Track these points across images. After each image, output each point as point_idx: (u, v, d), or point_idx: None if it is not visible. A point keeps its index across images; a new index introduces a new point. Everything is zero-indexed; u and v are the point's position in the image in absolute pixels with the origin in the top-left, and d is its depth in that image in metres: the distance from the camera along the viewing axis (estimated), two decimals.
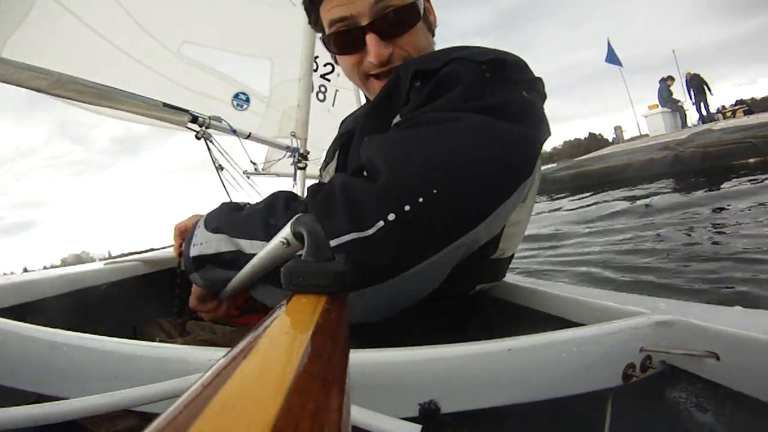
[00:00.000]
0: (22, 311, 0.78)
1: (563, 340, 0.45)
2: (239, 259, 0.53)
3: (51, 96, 1.06)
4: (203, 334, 0.71)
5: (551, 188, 6.67)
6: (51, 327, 0.49)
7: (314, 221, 0.35)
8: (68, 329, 0.48)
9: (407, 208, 0.43)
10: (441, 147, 0.46)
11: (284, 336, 0.21)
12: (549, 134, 0.54)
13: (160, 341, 0.73)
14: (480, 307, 0.75)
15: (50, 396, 0.46)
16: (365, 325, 0.57)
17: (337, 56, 0.70)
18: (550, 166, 10.70)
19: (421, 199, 0.43)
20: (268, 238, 0.47)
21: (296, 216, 0.37)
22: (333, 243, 0.46)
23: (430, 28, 0.70)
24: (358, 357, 0.43)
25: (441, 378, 0.42)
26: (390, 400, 0.41)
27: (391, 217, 0.43)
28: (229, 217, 0.58)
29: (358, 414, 0.34)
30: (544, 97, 0.58)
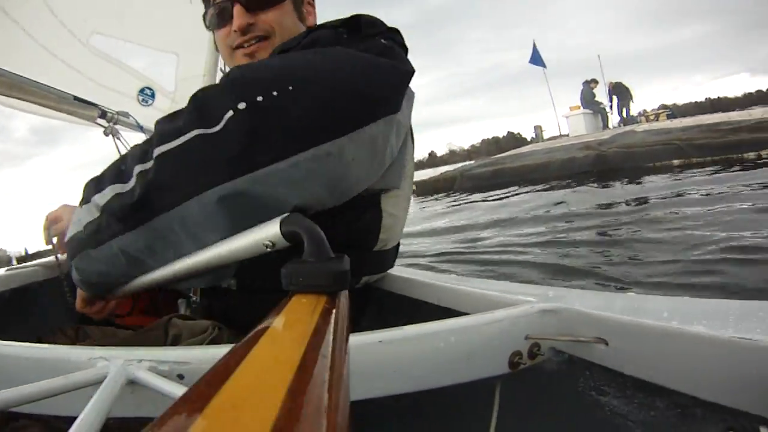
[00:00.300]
0: None
1: (439, 331, 0.45)
2: (103, 231, 0.49)
3: None
4: (103, 339, 0.65)
5: (469, 185, 6.63)
6: None
7: (308, 220, 0.35)
8: None
9: (260, 98, 0.41)
10: (300, 59, 0.47)
11: (284, 336, 0.21)
12: (411, 71, 0.53)
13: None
14: (374, 300, 0.75)
15: None
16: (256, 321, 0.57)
17: (214, 34, 0.71)
18: (467, 163, 10.62)
19: (275, 93, 0.41)
20: (116, 181, 0.47)
21: (283, 216, 0.36)
22: (173, 144, 0.43)
23: (301, 16, 0.71)
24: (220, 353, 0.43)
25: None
26: None
27: (242, 105, 0.41)
28: (94, 182, 0.53)
29: None
30: (404, 47, 0.59)
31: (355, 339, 0.43)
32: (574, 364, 0.46)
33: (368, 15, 0.59)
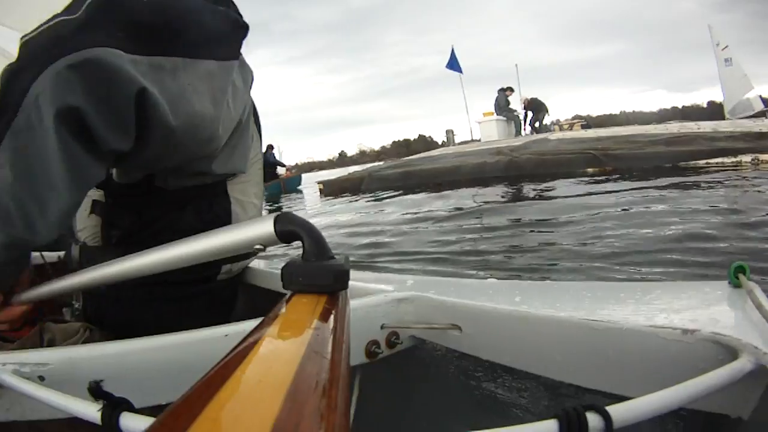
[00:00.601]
0: None
1: None
2: None
3: None
4: None
5: (376, 186, 6.54)
6: None
7: (305, 220, 0.34)
8: None
9: None
10: None
11: (284, 335, 0.21)
12: (244, 23, 0.55)
13: None
14: (244, 292, 0.76)
15: None
16: (136, 323, 0.62)
17: None
18: (376, 164, 10.49)
19: None
20: None
21: (276, 215, 0.35)
22: (36, 30, 0.43)
23: None
24: (96, 349, 0.43)
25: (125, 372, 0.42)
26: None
27: None
28: None
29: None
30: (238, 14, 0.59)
31: (201, 334, 0.44)
32: (433, 351, 0.47)
33: None
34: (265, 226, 0.35)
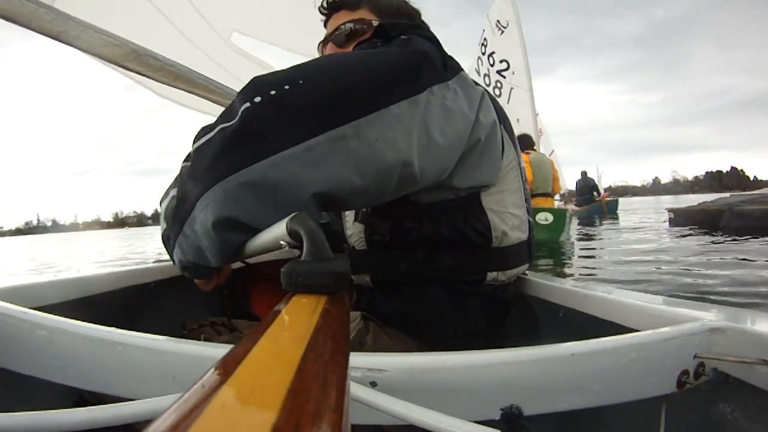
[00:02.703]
0: (72, 307, 0.77)
1: (622, 346, 0.44)
2: (165, 235, 0.58)
3: (116, 67, 0.96)
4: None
5: (736, 223, 5.42)
6: (99, 324, 0.48)
7: (311, 220, 0.35)
8: (114, 327, 0.48)
9: (273, 92, 0.46)
10: (312, 61, 0.53)
11: (284, 336, 0.21)
12: (418, 50, 0.56)
13: (206, 339, 0.72)
14: (525, 306, 0.75)
15: (97, 393, 0.46)
16: (406, 315, 0.67)
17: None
18: (722, 195, 8.83)
19: (287, 87, 0.47)
20: (172, 185, 0.57)
21: (291, 215, 0.36)
22: (202, 141, 0.49)
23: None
24: (437, 359, 0.42)
25: (519, 382, 0.41)
26: (471, 403, 0.41)
27: (257, 99, 0.46)
28: None
29: (438, 420, 0.33)
30: (427, 36, 0.63)
31: (546, 350, 0.43)
32: (735, 385, 0.45)
33: (393, 22, 0.68)
34: (282, 226, 0.37)
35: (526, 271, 0.80)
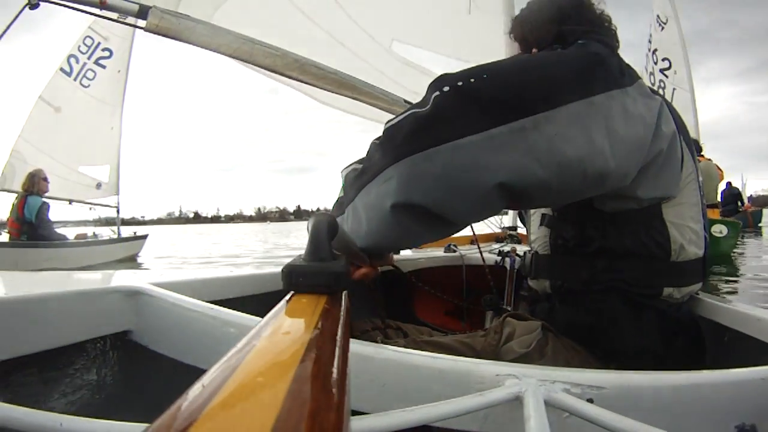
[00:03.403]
0: (237, 303, 0.77)
1: None
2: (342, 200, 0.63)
3: (276, 75, 1.00)
4: (417, 335, 0.78)
5: None
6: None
7: (323, 221, 0.35)
8: None
9: (460, 83, 0.51)
10: (495, 61, 0.56)
11: (284, 336, 0.21)
12: (593, 52, 0.59)
13: (382, 341, 0.73)
14: (694, 327, 0.73)
15: None
16: (583, 325, 0.68)
17: None
18: None
19: (472, 80, 0.51)
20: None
21: (317, 213, 0.38)
22: (394, 122, 0.54)
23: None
24: (655, 378, 0.42)
25: (751, 400, 0.40)
26: (702, 422, 0.40)
27: (446, 89, 0.51)
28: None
29: None
30: (605, 42, 0.67)
31: (753, 371, 0.41)
32: None
33: (572, 27, 0.72)
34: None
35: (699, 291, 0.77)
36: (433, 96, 0.51)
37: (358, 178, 0.58)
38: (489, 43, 1.91)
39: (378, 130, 0.58)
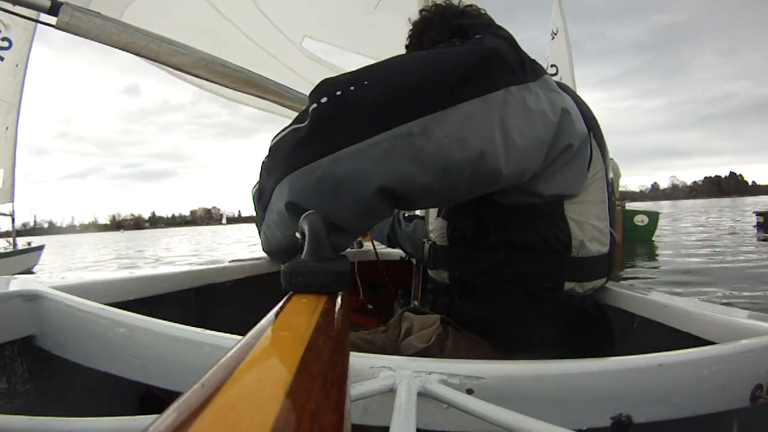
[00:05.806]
0: (147, 304, 0.79)
1: (705, 357, 0.44)
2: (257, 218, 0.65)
3: (184, 74, 1.00)
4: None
5: None
6: (172, 321, 0.48)
7: (318, 220, 0.35)
8: (184, 324, 0.48)
9: (338, 93, 0.49)
10: (379, 62, 0.54)
11: (284, 336, 0.21)
12: (488, 47, 0.55)
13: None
14: (601, 316, 0.74)
15: (169, 390, 0.46)
16: (484, 318, 0.68)
17: None
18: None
19: (352, 87, 0.49)
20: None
21: (306, 213, 0.37)
22: (277, 138, 0.54)
23: None
24: (536, 367, 0.42)
25: (629, 390, 0.41)
26: (580, 412, 0.40)
27: (324, 100, 0.49)
28: None
29: (545, 428, 0.32)
30: (501, 36, 0.60)
31: (632, 360, 0.42)
32: None
33: (473, 21, 0.69)
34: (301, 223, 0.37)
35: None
36: (311, 109, 0.49)
37: (260, 200, 0.58)
38: (396, 38, 1.91)
39: (278, 127, 0.58)
